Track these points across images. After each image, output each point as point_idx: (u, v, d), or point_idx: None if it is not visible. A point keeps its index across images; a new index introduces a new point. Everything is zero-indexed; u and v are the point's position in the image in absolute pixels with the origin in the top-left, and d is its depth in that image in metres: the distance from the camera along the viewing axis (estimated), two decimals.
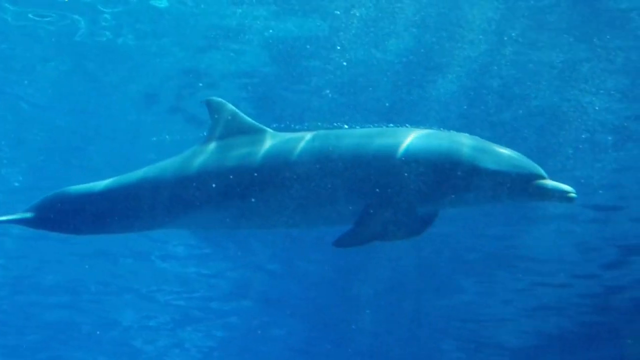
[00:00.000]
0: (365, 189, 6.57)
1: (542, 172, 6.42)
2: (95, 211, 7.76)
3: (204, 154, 7.43)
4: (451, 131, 6.96)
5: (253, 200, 6.98)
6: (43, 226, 8.13)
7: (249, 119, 7.63)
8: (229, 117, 7.56)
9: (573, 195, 6.26)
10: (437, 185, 6.40)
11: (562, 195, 6.29)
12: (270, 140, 7.24)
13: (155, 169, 7.71)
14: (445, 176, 6.36)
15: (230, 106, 7.66)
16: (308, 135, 7.13)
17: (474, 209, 7.04)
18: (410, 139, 6.63)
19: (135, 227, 7.95)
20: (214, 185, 7.15)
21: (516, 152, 6.59)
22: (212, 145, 7.48)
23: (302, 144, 6.99)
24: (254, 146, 7.21)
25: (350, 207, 6.69)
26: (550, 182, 6.34)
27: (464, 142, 6.56)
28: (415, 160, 6.43)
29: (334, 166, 6.65)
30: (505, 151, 6.53)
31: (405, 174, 6.41)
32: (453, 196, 6.47)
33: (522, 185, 6.32)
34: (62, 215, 7.92)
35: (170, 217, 7.53)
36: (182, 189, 7.32)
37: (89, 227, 8.05)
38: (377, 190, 6.50)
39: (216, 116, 7.65)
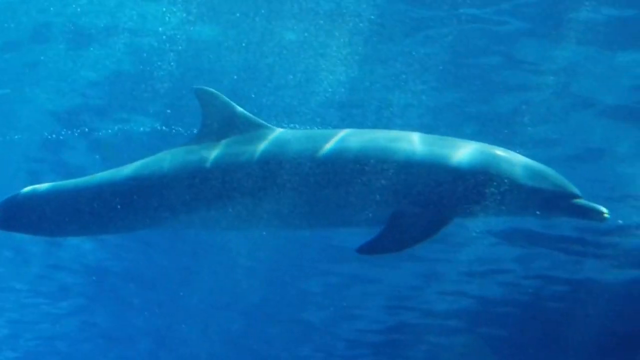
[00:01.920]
0: (398, 196, 6.26)
1: (577, 190, 6.46)
2: (67, 211, 7.12)
3: (199, 152, 6.81)
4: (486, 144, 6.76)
5: (256, 203, 6.53)
6: (6, 227, 7.49)
7: (248, 114, 7.01)
8: (224, 111, 6.97)
9: (607, 215, 6.31)
10: (476, 197, 6.27)
11: (597, 215, 6.33)
12: (280, 138, 6.71)
13: (141, 167, 7.03)
14: (486, 189, 6.25)
15: (225, 98, 7.02)
16: (328, 134, 6.65)
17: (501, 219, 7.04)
18: (450, 148, 6.41)
19: (116, 228, 7.30)
20: (208, 187, 6.61)
21: (551, 169, 6.58)
22: (208, 142, 6.87)
23: (322, 144, 6.51)
24: (260, 144, 6.66)
25: (375, 214, 6.35)
26: (585, 202, 6.40)
27: (504, 157, 6.46)
28: (458, 171, 6.25)
29: (367, 171, 6.27)
30: (542, 167, 6.52)
31: (446, 185, 6.22)
32: (489, 208, 6.37)
33: (557, 203, 6.37)
34: (26, 215, 7.30)
35: (160, 217, 6.94)
36: (172, 190, 6.74)
37: (57, 229, 7.41)
38: (411, 198, 6.24)
39: (209, 109, 7.02)
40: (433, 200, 6.21)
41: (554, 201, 6.32)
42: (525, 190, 6.24)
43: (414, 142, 6.43)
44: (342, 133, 6.62)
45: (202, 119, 7.04)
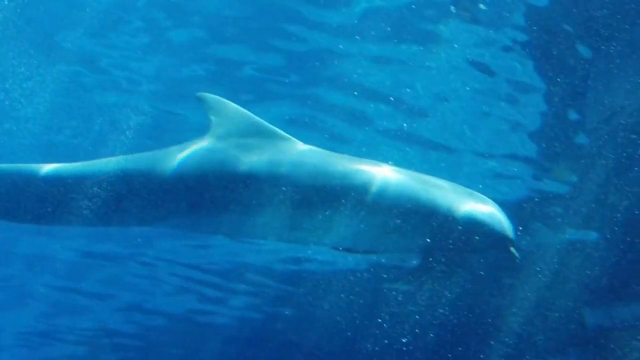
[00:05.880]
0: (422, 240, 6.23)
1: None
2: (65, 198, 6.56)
3: (213, 154, 6.37)
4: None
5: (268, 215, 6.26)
6: None
7: (264, 122, 6.56)
8: (237, 121, 6.52)
9: (518, 260, 6.53)
10: (478, 247, 6.38)
11: (515, 259, 6.50)
12: (302, 153, 6.39)
13: (152, 158, 6.56)
14: (489, 241, 6.37)
15: (235, 106, 6.58)
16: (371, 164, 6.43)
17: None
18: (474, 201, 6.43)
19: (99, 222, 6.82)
20: (210, 191, 6.28)
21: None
22: (220, 143, 6.41)
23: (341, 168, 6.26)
24: (280, 154, 6.31)
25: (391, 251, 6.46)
26: (514, 248, 6.58)
27: (500, 211, 6.55)
28: (472, 224, 6.26)
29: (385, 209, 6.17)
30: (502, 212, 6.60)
31: (461, 235, 6.22)
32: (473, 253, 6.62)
33: (505, 248, 6.50)
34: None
35: (159, 216, 6.54)
36: (175, 188, 6.33)
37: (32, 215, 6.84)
38: (431, 243, 6.22)
39: (219, 118, 6.54)
40: (447, 248, 6.21)
41: (505, 247, 6.46)
42: (506, 242, 6.42)
43: (449, 192, 6.35)
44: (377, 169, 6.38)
45: (212, 126, 6.54)
